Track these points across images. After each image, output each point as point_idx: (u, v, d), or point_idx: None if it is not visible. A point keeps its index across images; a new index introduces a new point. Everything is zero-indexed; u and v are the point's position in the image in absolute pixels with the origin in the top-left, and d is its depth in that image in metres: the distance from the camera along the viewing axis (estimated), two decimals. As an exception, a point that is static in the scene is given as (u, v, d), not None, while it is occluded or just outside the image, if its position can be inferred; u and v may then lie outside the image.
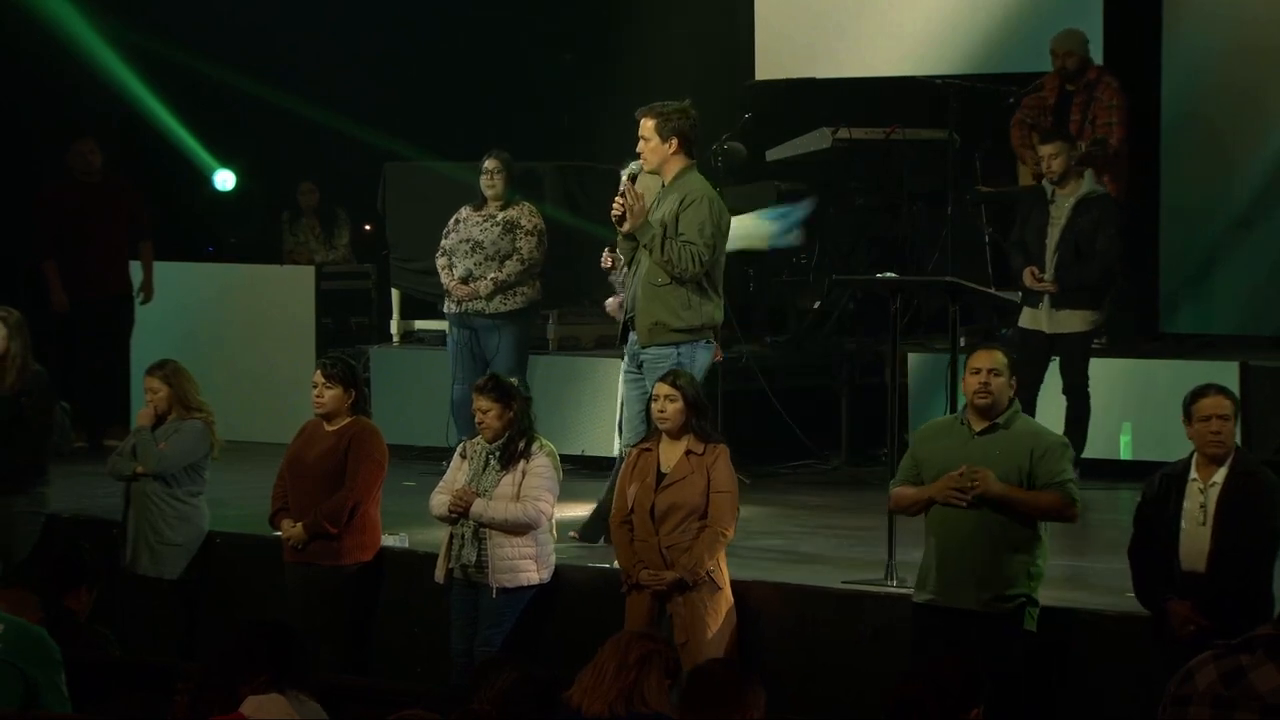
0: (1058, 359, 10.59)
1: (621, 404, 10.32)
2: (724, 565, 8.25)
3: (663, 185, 8.96)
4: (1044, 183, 10.81)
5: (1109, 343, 11.62)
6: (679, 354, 8.80)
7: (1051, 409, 10.62)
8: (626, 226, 8.81)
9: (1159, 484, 7.52)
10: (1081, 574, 8.89)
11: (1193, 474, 7.42)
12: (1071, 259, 10.51)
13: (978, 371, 7.65)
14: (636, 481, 8.29)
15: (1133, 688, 7.76)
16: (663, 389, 8.33)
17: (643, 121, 8.93)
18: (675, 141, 8.89)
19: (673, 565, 8.13)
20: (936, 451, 7.72)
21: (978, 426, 7.69)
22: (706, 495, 8.16)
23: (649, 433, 8.42)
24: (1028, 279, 10.51)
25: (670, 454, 8.29)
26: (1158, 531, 7.44)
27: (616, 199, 8.90)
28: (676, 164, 8.92)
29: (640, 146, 8.94)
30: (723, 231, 8.90)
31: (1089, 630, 7.97)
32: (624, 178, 9.10)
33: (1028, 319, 10.67)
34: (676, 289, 8.80)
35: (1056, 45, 11.64)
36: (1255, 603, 7.23)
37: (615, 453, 10.24)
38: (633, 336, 8.92)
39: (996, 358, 7.70)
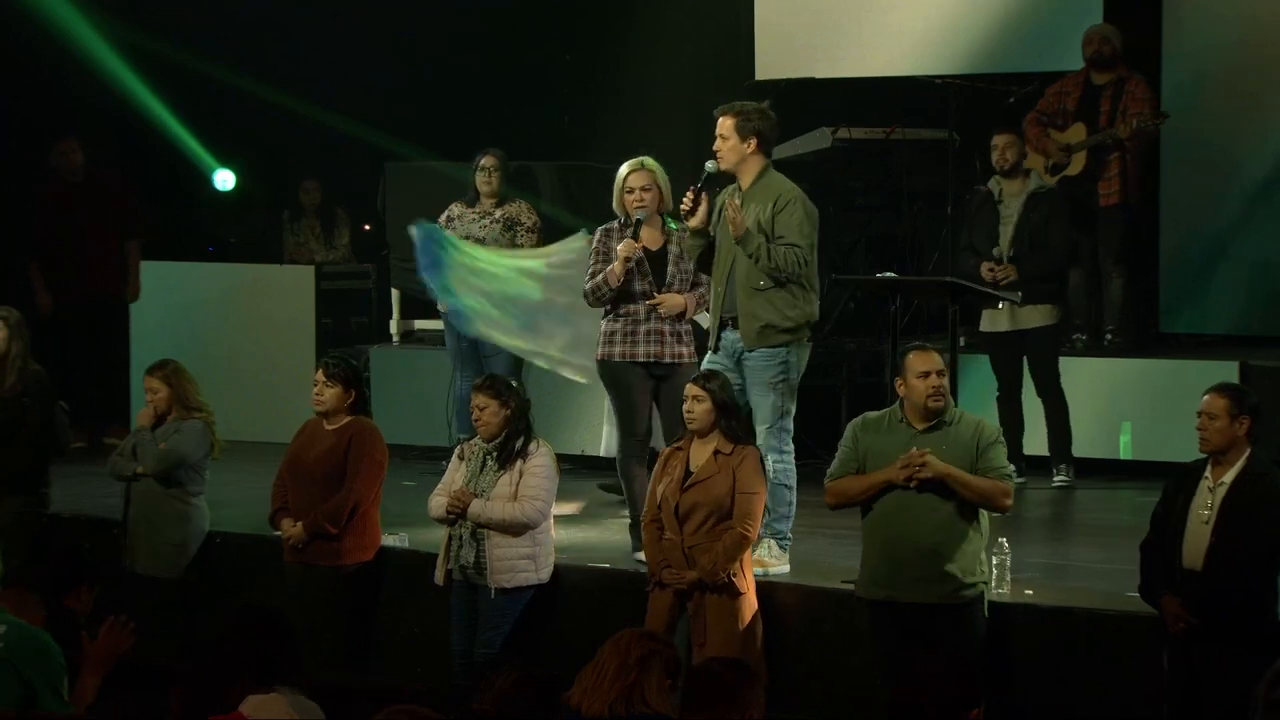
0: (1026, 357, 10.69)
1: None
2: (748, 569, 8.24)
3: (738, 188, 8.87)
4: (990, 184, 10.89)
5: (1122, 343, 11.64)
6: (787, 354, 8.76)
7: (1035, 409, 10.67)
8: (734, 233, 8.69)
9: (1177, 481, 7.59)
10: (1080, 573, 8.89)
11: (1206, 473, 7.47)
12: (1026, 253, 10.62)
13: (926, 375, 7.73)
14: (665, 479, 8.31)
15: (1131, 687, 7.77)
16: (692, 389, 8.35)
17: (721, 120, 8.86)
18: (754, 141, 8.82)
19: (695, 565, 8.14)
20: (880, 448, 7.79)
21: (920, 425, 7.78)
22: (733, 496, 8.17)
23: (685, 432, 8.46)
24: (984, 273, 10.59)
25: (699, 454, 8.31)
26: (1168, 527, 7.47)
27: (687, 194, 8.85)
28: (755, 164, 8.85)
29: (717, 145, 8.85)
30: (816, 227, 8.85)
31: (1088, 629, 7.97)
32: (707, 178, 8.96)
33: (988, 322, 10.77)
34: (779, 290, 8.73)
35: (1094, 32, 11.67)
36: (1251, 604, 7.26)
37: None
38: (732, 335, 8.84)
39: (937, 359, 7.81)
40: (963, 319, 10.92)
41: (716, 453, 8.27)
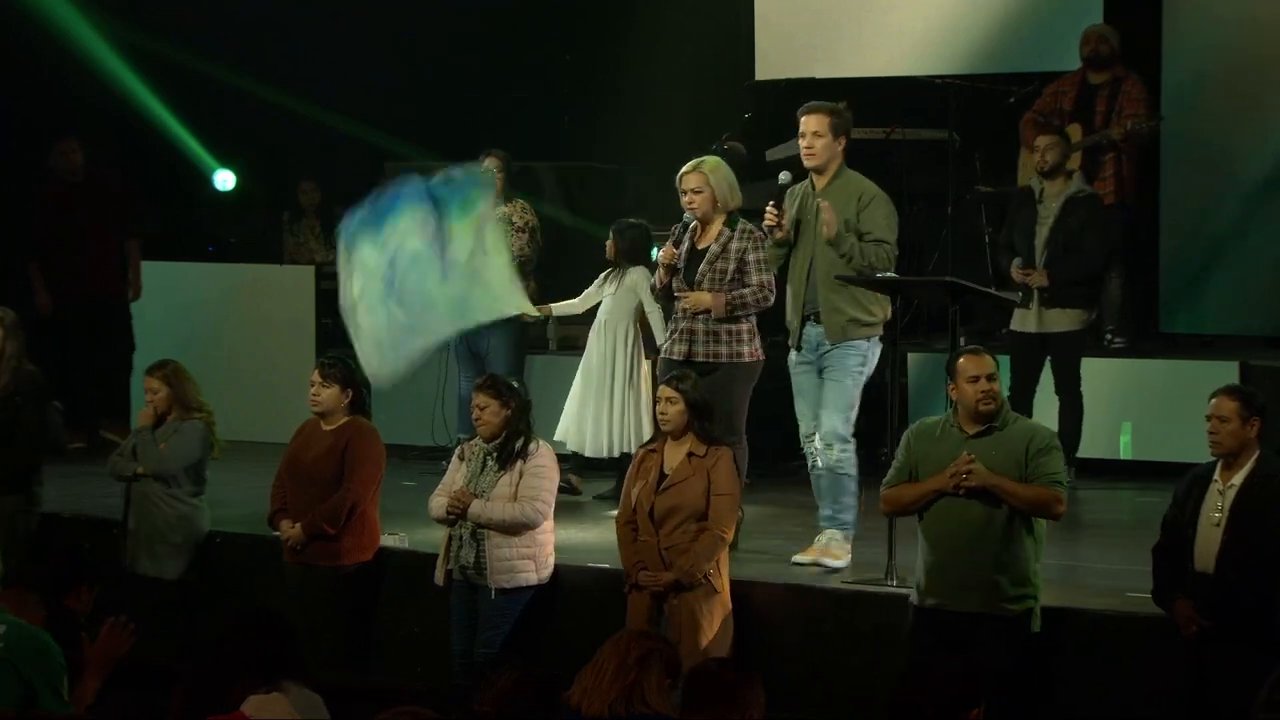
0: (1050, 358, 10.66)
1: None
2: (724, 569, 8.25)
3: (810, 186, 8.88)
4: (1032, 182, 10.88)
5: (1123, 343, 11.63)
6: (867, 347, 8.79)
7: (1044, 407, 10.64)
8: (827, 235, 8.70)
9: (1187, 484, 7.56)
10: (1081, 573, 8.88)
11: (1215, 475, 7.45)
12: (1060, 256, 10.59)
13: (976, 379, 7.67)
14: (639, 482, 8.32)
15: (1133, 687, 7.77)
16: (664, 391, 8.36)
17: (812, 118, 8.87)
18: (844, 139, 8.90)
19: (671, 566, 8.15)
20: (933, 454, 7.73)
21: (971, 429, 7.72)
22: (707, 497, 8.17)
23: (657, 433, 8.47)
24: (1016, 275, 10.59)
25: (673, 456, 8.32)
26: (1179, 531, 7.47)
27: (769, 209, 8.81)
28: (837, 163, 8.92)
29: (808, 142, 8.85)
30: (897, 223, 8.93)
31: (1089, 630, 7.96)
32: (785, 187, 8.94)
33: (1018, 321, 10.74)
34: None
35: (1091, 31, 11.68)
36: (1262, 606, 7.24)
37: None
38: (815, 330, 8.84)
39: (989, 362, 7.75)
40: (1004, 316, 10.94)
41: (690, 454, 8.28)
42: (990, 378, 7.68)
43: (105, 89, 14.08)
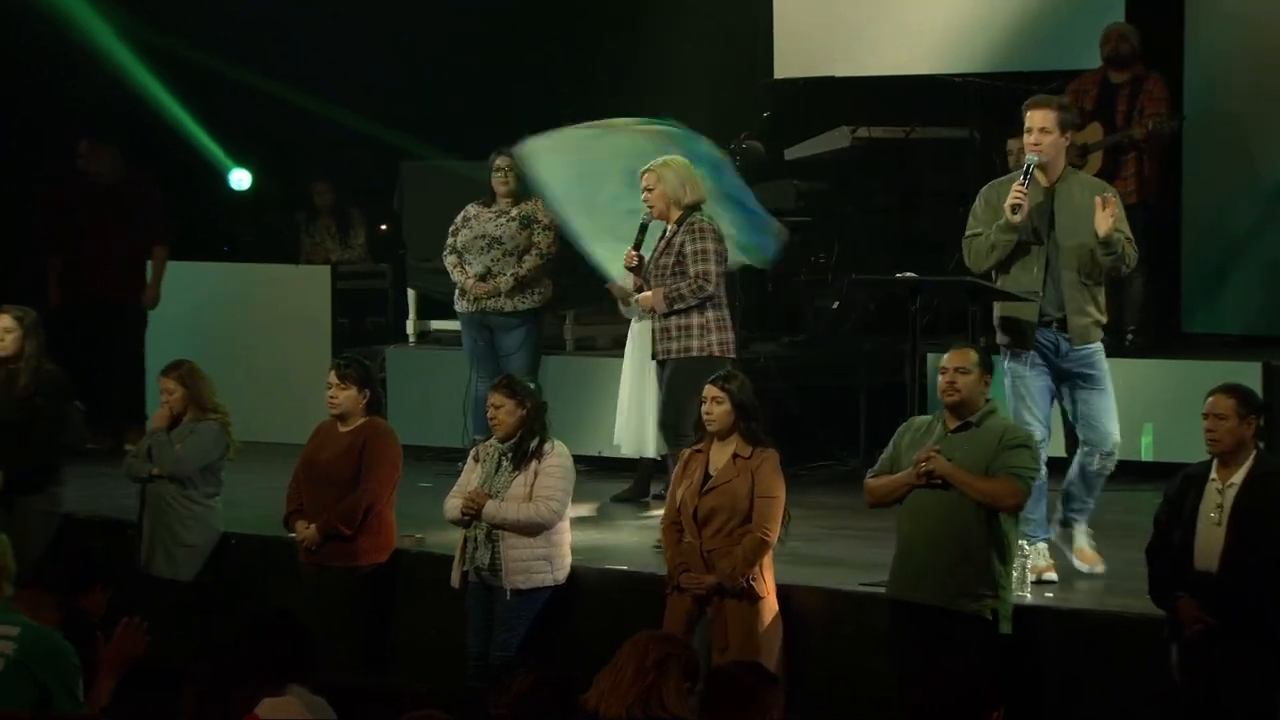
0: None
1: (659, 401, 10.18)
2: (768, 574, 8.16)
3: (1031, 182, 8.54)
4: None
5: (1144, 343, 11.57)
6: (1101, 347, 8.62)
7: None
8: (1106, 233, 8.43)
9: (1180, 484, 7.54)
10: (1095, 574, 8.83)
11: (1212, 474, 7.43)
12: None
13: (944, 370, 7.72)
14: (685, 482, 8.26)
15: (1133, 688, 7.73)
16: (711, 391, 8.27)
17: (1038, 113, 8.58)
18: (1070, 134, 8.71)
19: (714, 569, 8.07)
20: (914, 448, 7.77)
21: (951, 425, 7.77)
22: (751, 499, 8.10)
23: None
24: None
25: (719, 456, 8.25)
26: (1174, 530, 7.44)
27: (1016, 186, 8.52)
28: (1063, 159, 8.71)
29: (1035, 138, 8.53)
30: None
31: (1087, 630, 7.95)
32: (1027, 172, 8.58)
33: None
34: (1099, 286, 8.60)
35: (1112, 30, 11.61)
36: (1265, 603, 7.22)
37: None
38: (1054, 336, 8.56)
39: (966, 356, 7.76)
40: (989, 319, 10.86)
41: (735, 456, 8.20)
42: (960, 370, 7.69)
43: (120, 87, 14.07)
